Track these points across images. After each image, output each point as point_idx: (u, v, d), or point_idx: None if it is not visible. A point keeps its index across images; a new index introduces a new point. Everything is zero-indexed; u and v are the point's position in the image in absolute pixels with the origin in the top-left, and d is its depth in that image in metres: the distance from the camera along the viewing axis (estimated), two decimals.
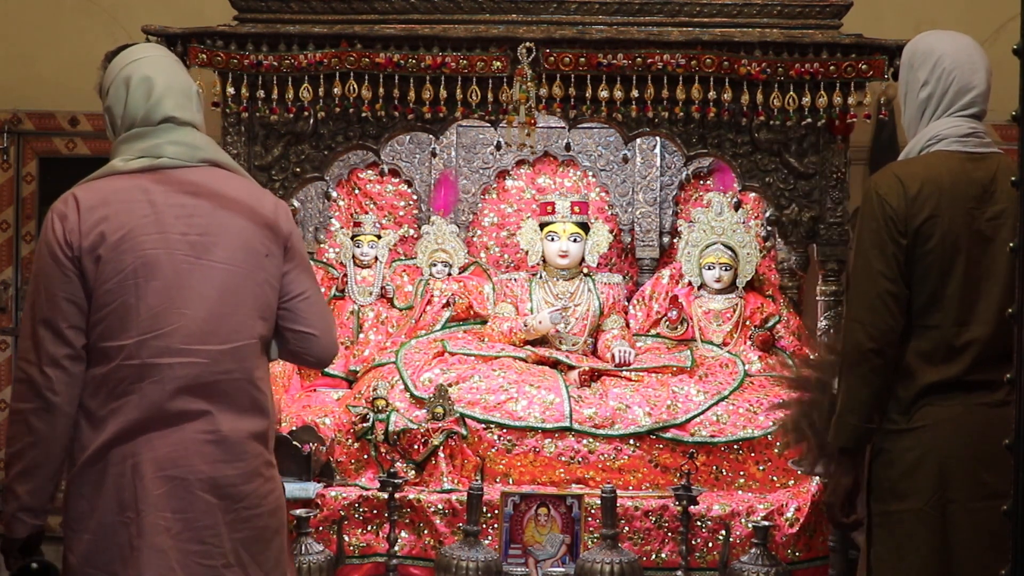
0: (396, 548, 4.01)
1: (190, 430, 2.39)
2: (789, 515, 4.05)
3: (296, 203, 4.58)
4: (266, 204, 2.51)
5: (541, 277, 4.89)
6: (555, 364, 4.64)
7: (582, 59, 4.00)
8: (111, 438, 2.37)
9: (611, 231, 5.06)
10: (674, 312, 4.83)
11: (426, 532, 4.09)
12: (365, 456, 4.27)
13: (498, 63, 4.02)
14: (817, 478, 3.99)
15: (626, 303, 5.03)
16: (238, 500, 2.42)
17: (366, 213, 5.24)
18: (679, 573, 3.93)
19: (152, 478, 2.37)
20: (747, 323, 4.81)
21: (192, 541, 2.39)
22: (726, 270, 4.84)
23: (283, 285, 2.50)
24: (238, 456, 2.42)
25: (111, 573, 2.37)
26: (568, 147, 4.98)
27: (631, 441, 4.26)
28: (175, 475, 2.38)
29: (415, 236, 5.26)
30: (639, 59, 4.00)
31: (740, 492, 4.24)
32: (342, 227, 5.25)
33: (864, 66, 3.98)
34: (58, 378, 2.36)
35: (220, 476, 2.40)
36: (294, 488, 4.01)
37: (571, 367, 4.58)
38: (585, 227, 4.86)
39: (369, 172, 5.35)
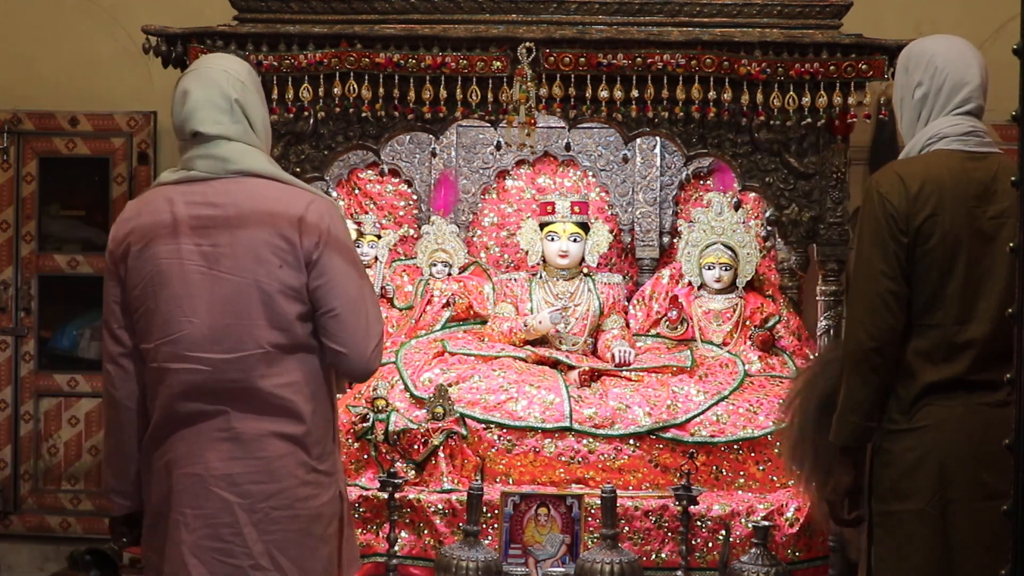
0: (396, 548, 4.01)
1: (207, 428, 2.47)
2: (789, 515, 4.05)
3: None
4: (291, 214, 2.48)
5: (541, 277, 4.88)
6: (555, 364, 4.64)
7: (582, 59, 4.00)
8: (150, 434, 2.53)
9: (611, 231, 5.06)
10: (674, 312, 4.83)
11: (426, 532, 4.09)
12: (365, 456, 4.27)
13: (498, 63, 4.01)
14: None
15: (626, 303, 5.03)
16: (261, 499, 2.45)
17: (366, 213, 5.24)
18: (679, 573, 3.93)
19: (177, 475, 2.47)
20: (747, 323, 4.81)
21: (209, 537, 2.44)
22: (726, 270, 4.84)
23: (315, 300, 2.51)
24: (253, 453, 2.45)
25: (159, 557, 2.51)
26: (568, 147, 4.98)
27: (631, 441, 4.26)
28: (192, 472, 2.46)
29: (415, 236, 5.26)
30: (639, 59, 4.00)
31: (740, 492, 4.24)
32: None
33: (864, 66, 3.98)
34: (116, 373, 2.55)
35: (235, 473, 2.44)
36: None
37: (571, 367, 4.57)
38: (585, 227, 4.86)
39: (369, 172, 5.34)
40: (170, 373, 2.46)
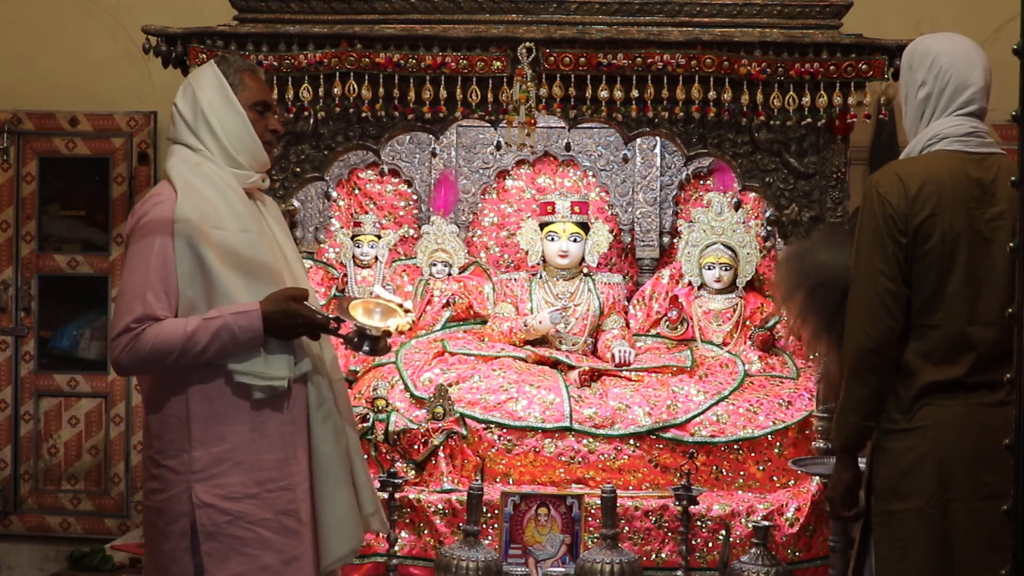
0: (396, 548, 4.01)
1: None
2: (789, 515, 4.05)
3: (296, 203, 4.58)
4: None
5: (541, 277, 4.88)
6: (555, 364, 4.64)
7: (582, 59, 4.00)
8: None
9: (611, 231, 5.06)
10: (674, 312, 4.82)
11: (426, 532, 4.09)
12: (365, 456, 4.27)
13: (498, 63, 4.02)
14: (817, 478, 4.00)
15: (626, 303, 5.03)
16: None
17: (366, 213, 5.24)
18: (679, 573, 3.93)
19: None
20: (747, 323, 4.81)
21: None
22: (726, 270, 4.84)
23: None
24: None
25: None
26: (568, 147, 4.98)
27: (631, 441, 4.26)
28: None
29: (415, 236, 5.26)
30: (639, 59, 4.00)
31: (740, 492, 4.24)
32: (342, 227, 5.25)
33: (864, 66, 3.99)
34: None
35: None
36: None
37: (571, 367, 4.57)
38: (585, 227, 4.86)
39: (369, 172, 5.34)
40: None
